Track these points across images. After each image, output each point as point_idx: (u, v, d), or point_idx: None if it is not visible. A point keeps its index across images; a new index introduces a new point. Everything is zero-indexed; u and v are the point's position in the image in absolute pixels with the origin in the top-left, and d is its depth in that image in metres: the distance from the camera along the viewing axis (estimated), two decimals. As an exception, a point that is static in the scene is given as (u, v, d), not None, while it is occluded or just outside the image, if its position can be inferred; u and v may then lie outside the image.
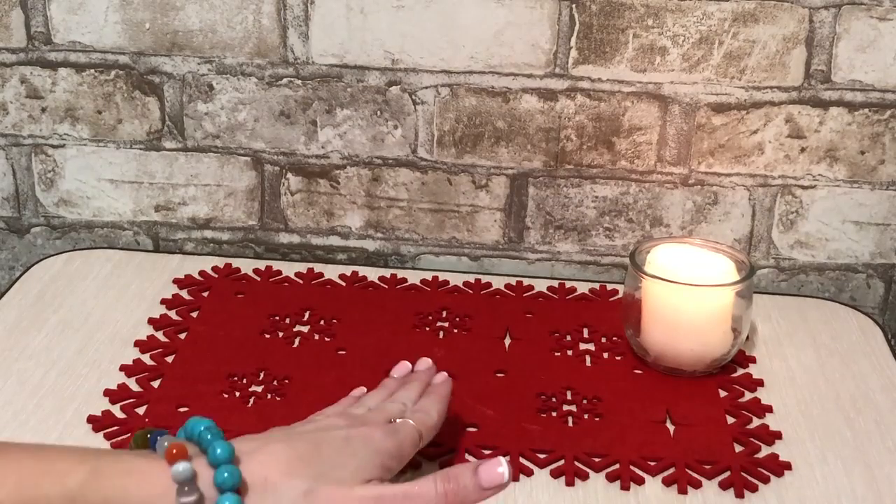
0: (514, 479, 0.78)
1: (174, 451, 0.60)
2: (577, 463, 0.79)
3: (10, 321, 0.96)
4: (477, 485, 0.64)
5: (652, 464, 0.79)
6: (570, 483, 0.78)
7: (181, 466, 0.59)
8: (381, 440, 0.68)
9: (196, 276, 1.05)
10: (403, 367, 0.83)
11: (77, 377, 0.88)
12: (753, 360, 0.93)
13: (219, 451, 0.61)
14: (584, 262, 1.10)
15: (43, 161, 1.11)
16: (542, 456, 0.80)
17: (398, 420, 0.72)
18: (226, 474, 0.60)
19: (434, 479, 0.64)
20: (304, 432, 0.69)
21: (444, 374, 0.81)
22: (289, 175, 1.09)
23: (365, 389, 0.81)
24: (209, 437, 0.62)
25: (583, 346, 0.94)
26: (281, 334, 0.95)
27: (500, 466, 0.64)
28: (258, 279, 1.05)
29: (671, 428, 0.84)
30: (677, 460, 0.80)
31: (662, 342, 0.89)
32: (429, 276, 1.06)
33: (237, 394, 0.86)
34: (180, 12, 1.03)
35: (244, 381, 0.88)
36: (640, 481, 0.78)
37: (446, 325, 0.97)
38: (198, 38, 1.04)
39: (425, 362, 0.83)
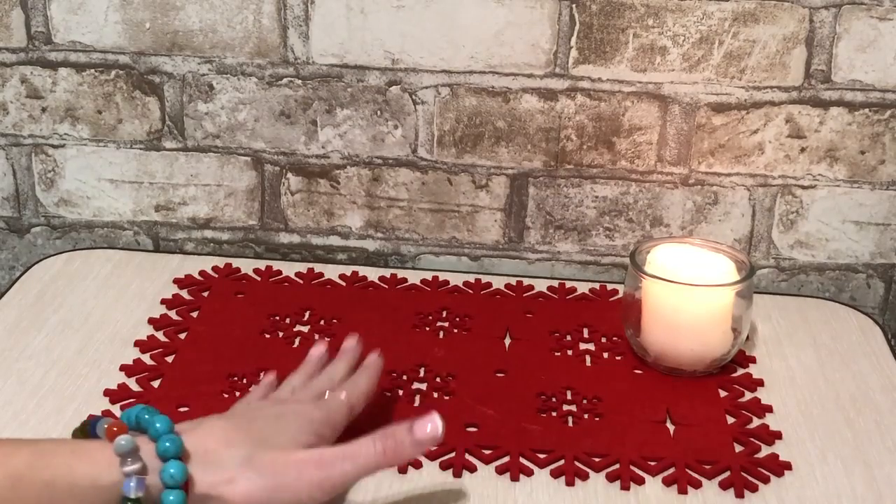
0: (514, 478, 0.78)
1: (114, 428, 0.62)
2: (577, 463, 0.79)
3: (10, 321, 0.96)
4: (412, 440, 0.68)
5: (652, 464, 0.79)
6: (570, 483, 0.78)
7: (123, 440, 0.61)
8: (312, 411, 0.72)
9: (196, 276, 1.05)
10: (320, 348, 0.84)
11: (77, 377, 0.88)
12: (753, 360, 0.93)
13: (158, 424, 0.63)
14: (584, 262, 1.10)
15: (43, 161, 1.11)
16: (542, 456, 0.80)
17: (327, 394, 0.75)
18: (167, 443, 0.62)
19: (372, 439, 0.68)
20: (237, 412, 0.72)
21: (375, 353, 0.82)
22: (289, 175, 1.09)
23: (274, 376, 0.83)
24: (147, 416, 0.64)
25: (583, 346, 0.94)
26: (281, 334, 0.95)
27: (431, 423, 0.68)
28: (258, 279, 1.05)
29: (671, 428, 0.84)
30: (677, 460, 0.79)
31: (662, 342, 0.89)
32: (429, 276, 1.06)
33: (237, 394, 0.86)
34: (180, 12, 1.03)
35: (244, 381, 0.88)
36: (640, 481, 0.78)
37: (446, 325, 0.97)
38: (198, 37, 1.04)
39: (351, 341, 0.84)
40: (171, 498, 0.61)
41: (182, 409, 0.84)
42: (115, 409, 0.84)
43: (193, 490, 0.62)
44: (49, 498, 0.59)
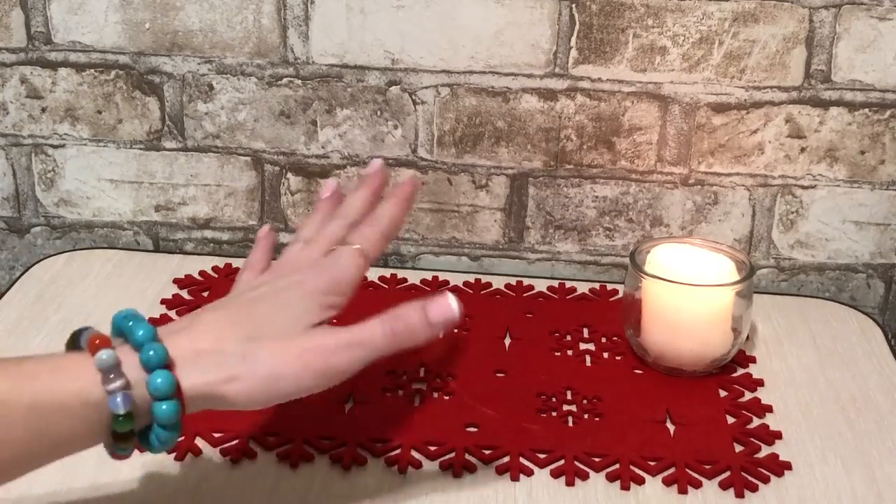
0: (514, 478, 0.78)
1: (96, 341, 0.59)
2: (577, 463, 0.79)
3: (10, 321, 0.96)
4: (425, 321, 0.63)
5: (652, 464, 0.79)
6: (570, 483, 0.77)
7: (104, 354, 0.58)
8: (313, 280, 0.66)
9: (196, 276, 1.05)
10: (332, 183, 0.75)
11: (77, 377, 0.88)
12: (753, 360, 0.93)
13: (140, 332, 0.60)
14: (584, 262, 1.10)
15: (43, 161, 1.11)
16: (542, 456, 0.80)
17: (336, 248, 0.68)
18: (150, 352, 0.59)
19: (381, 322, 0.63)
20: (233, 298, 0.67)
21: (411, 175, 0.74)
22: (289, 175, 1.09)
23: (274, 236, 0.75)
24: (130, 323, 0.61)
25: (583, 346, 0.94)
26: (281, 334, 0.95)
27: (450, 300, 0.63)
28: (258, 279, 1.05)
29: (671, 428, 0.84)
30: (677, 460, 0.79)
31: (662, 342, 0.89)
32: (429, 276, 1.06)
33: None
34: (180, 12, 1.03)
35: (244, 381, 0.88)
36: (640, 481, 0.78)
37: (446, 325, 0.97)
38: (198, 38, 1.04)
39: (375, 164, 0.75)
40: (164, 408, 0.58)
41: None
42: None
43: (189, 395, 0.59)
44: (37, 420, 0.57)
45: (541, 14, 1.00)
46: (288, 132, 1.07)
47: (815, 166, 1.04)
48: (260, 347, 0.62)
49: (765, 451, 0.81)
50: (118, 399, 0.58)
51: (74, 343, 0.63)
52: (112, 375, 0.58)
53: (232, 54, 1.05)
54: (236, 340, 0.62)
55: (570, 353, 0.93)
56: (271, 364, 0.61)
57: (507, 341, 0.95)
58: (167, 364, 0.59)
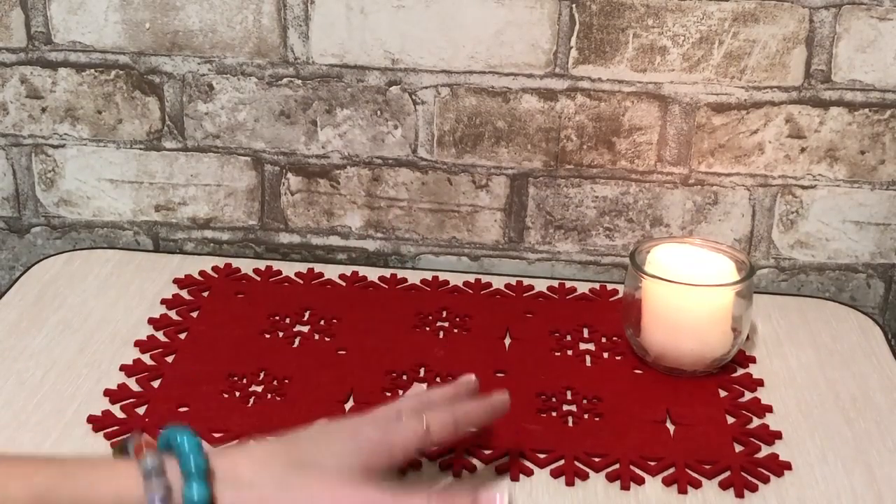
0: (514, 478, 0.78)
1: (143, 446, 0.61)
2: (577, 463, 0.79)
3: (10, 321, 0.96)
4: None
5: (652, 464, 0.79)
6: (570, 483, 0.78)
7: (148, 457, 0.59)
8: (368, 431, 0.67)
9: (196, 276, 1.05)
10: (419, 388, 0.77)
11: (77, 377, 0.88)
12: (753, 360, 0.93)
13: (185, 443, 0.61)
14: (584, 262, 1.10)
15: (43, 161, 1.11)
16: (542, 456, 0.80)
17: (403, 416, 0.69)
18: (192, 461, 0.60)
19: (427, 497, 0.63)
20: (284, 436, 0.68)
21: (503, 393, 0.75)
22: (289, 175, 1.09)
23: None
24: (177, 435, 0.62)
25: (583, 346, 0.94)
26: (281, 334, 0.95)
27: (500, 499, 0.63)
28: (258, 279, 1.05)
29: (671, 428, 0.84)
30: (677, 460, 0.79)
31: (662, 342, 0.89)
32: (429, 276, 1.06)
33: (237, 394, 0.86)
34: (180, 12, 1.03)
35: (244, 381, 0.88)
36: (640, 481, 0.78)
37: (446, 325, 0.97)
38: (198, 38, 1.04)
39: (468, 377, 0.77)
40: None
41: (182, 409, 0.84)
42: (115, 410, 0.84)
43: None
44: None
45: (541, 14, 1.00)
46: (288, 132, 1.07)
47: (815, 166, 1.04)
48: (300, 478, 0.62)
49: (765, 451, 0.81)
50: (156, 500, 0.58)
51: (121, 450, 0.65)
52: (154, 479, 0.59)
53: (232, 54, 1.05)
54: (277, 466, 0.62)
55: (570, 353, 0.93)
56: (307, 497, 0.62)
57: (507, 341, 0.95)
58: (207, 476, 0.60)
